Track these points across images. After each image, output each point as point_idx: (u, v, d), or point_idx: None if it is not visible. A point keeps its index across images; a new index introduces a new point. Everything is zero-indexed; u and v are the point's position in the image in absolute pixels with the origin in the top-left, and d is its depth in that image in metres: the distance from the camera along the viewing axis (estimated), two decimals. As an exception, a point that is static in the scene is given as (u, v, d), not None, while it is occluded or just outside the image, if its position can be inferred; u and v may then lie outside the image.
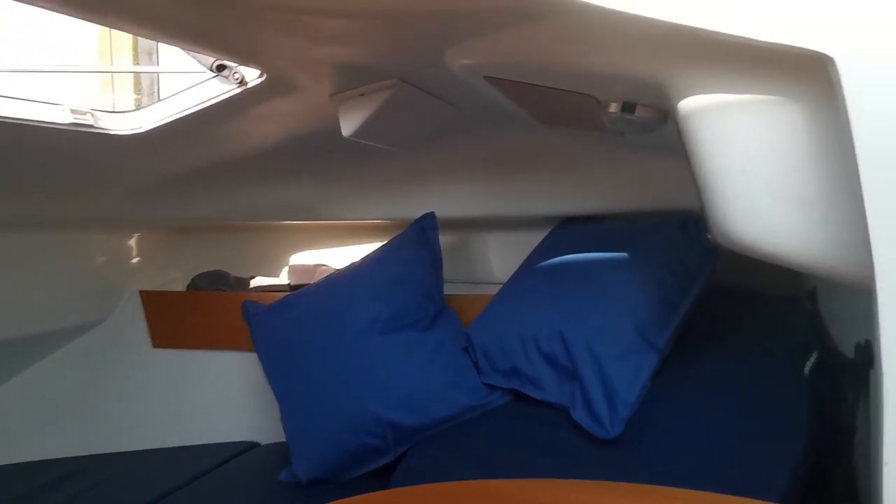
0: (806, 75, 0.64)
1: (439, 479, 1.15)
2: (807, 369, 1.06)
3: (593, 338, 1.20)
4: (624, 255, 1.31)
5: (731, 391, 1.12)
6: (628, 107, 0.92)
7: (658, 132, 1.10)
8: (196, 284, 2.02)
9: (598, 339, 1.20)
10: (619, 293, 1.24)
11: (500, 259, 1.80)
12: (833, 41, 0.59)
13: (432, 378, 1.41)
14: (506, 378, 1.38)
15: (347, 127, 1.17)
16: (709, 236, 1.38)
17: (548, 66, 0.89)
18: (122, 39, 2.74)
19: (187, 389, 1.97)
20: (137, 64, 2.77)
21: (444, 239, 1.63)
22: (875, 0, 0.60)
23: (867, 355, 0.81)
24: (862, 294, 0.84)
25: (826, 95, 0.63)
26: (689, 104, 0.74)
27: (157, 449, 1.81)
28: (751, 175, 0.72)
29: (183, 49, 1.12)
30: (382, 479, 1.31)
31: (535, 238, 1.72)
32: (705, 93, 0.72)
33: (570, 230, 1.60)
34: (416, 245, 1.60)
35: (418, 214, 1.66)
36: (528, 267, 1.54)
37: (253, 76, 1.14)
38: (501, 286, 1.58)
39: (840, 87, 0.60)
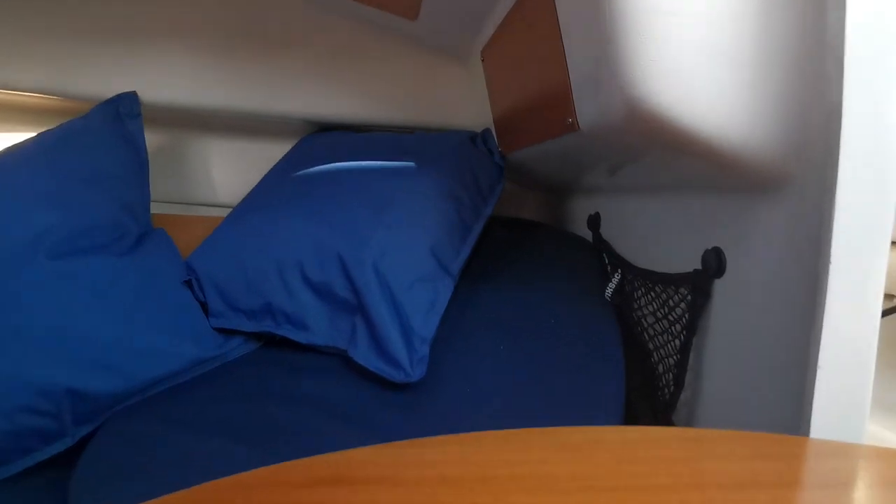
0: None
1: (151, 465, 0.78)
2: (609, 292, 1.00)
3: (381, 260, 0.95)
4: (409, 164, 1.08)
5: (532, 320, 0.99)
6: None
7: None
8: None
9: (387, 262, 0.95)
10: (410, 206, 1.01)
11: (224, 173, 1.39)
12: None
13: (138, 322, 0.98)
14: (252, 319, 1.03)
15: None
16: (500, 150, 1.25)
17: None
18: None
19: None
20: None
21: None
22: None
23: (718, 263, 0.74)
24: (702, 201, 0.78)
25: None
26: None
27: None
28: (681, 16, 0.55)
29: None
30: (58, 473, 0.85)
31: (275, 151, 1.38)
32: None
33: (328, 138, 1.30)
34: (110, 136, 1.11)
35: (105, 93, 1.15)
36: (278, 177, 1.20)
37: None
38: (233, 208, 1.20)
39: None
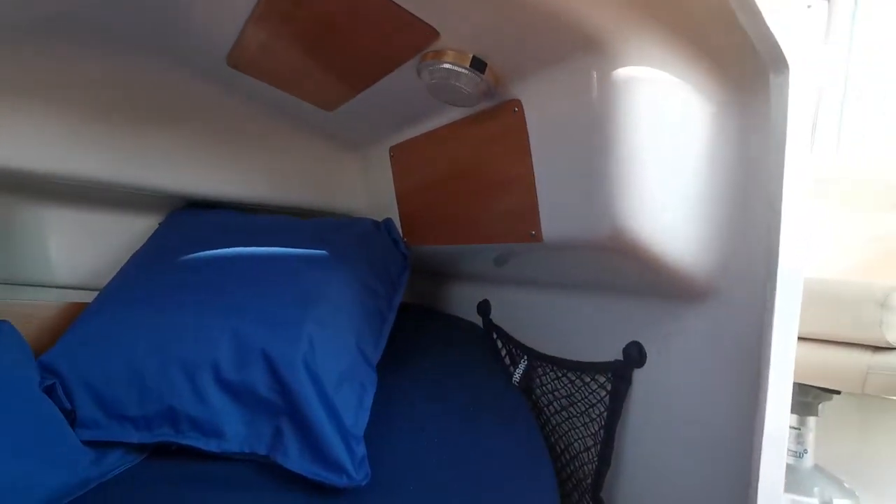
0: (749, 76, 0.66)
1: None
2: (517, 377, 1.08)
3: (312, 357, 0.90)
4: (323, 252, 1.06)
5: (447, 405, 1.02)
6: (478, 64, 0.74)
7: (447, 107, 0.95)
8: None
9: (317, 359, 0.90)
10: (336, 300, 0.98)
11: (63, 249, 1.18)
12: (792, 50, 0.62)
13: (-7, 446, 0.78)
14: (144, 428, 0.89)
15: None
16: (406, 240, 1.27)
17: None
18: None
19: None
20: None
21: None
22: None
23: (640, 355, 0.87)
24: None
25: (757, 99, 0.66)
26: (627, 73, 0.65)
27: None
28: (656, 166, 0.68)
29: None
30: None
31: (126, 224, 1.23)
32: (645, 65, 0.65)
33: (207, 218, 1.19)
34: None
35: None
36: (155, 260, 1.06)
37: None
38: (98, 290, 1.03)
39: (785, 97, 0.63)
